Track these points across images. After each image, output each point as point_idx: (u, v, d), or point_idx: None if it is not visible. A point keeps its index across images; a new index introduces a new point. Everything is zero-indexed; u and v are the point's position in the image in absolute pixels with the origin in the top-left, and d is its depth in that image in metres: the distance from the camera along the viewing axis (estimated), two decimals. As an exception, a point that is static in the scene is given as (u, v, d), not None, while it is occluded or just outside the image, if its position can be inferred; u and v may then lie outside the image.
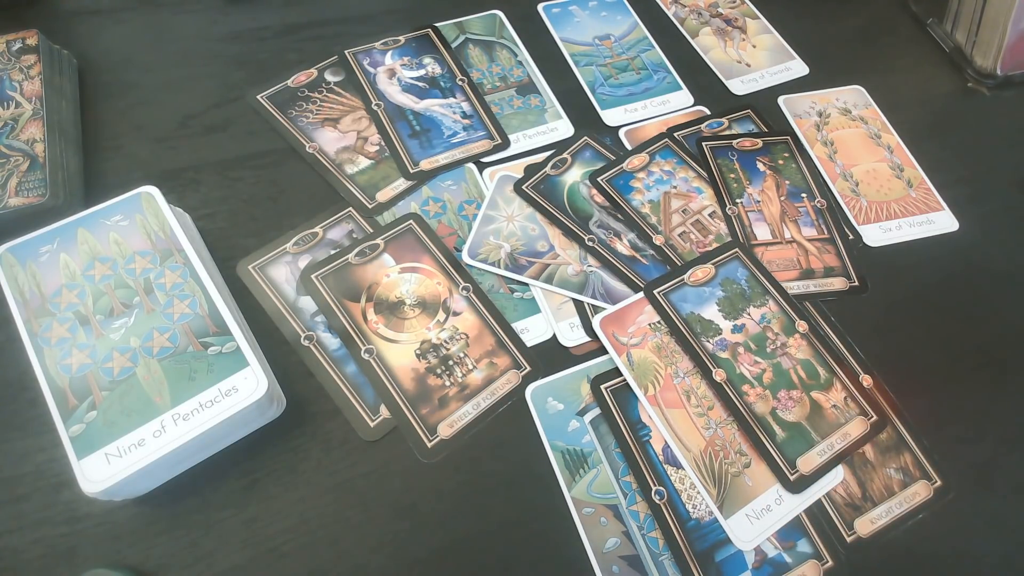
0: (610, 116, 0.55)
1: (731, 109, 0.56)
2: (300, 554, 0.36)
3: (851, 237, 0.50)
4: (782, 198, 0.51)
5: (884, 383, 0.44)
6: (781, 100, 0.58)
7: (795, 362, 0.43)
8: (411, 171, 0.50)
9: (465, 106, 0.54)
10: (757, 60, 0.60)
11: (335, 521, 0.37)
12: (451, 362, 0.42)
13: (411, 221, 0.47)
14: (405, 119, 0.52)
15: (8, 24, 0.50)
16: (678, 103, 0.57)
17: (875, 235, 0.50)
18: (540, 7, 0.62)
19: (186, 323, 0.37)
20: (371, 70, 0.55)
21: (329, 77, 0.54)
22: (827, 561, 0.38)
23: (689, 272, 0.45)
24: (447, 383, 0.41)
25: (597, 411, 0.41)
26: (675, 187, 0.51)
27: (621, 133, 0.54)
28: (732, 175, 0.51)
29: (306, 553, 0.36)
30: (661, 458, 0.40)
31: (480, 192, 0.50)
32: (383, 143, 0.51)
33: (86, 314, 0.37)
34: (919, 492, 0.40)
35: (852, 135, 0.56)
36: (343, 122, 0.52)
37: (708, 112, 0.56)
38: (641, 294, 0.45)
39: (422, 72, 0.55)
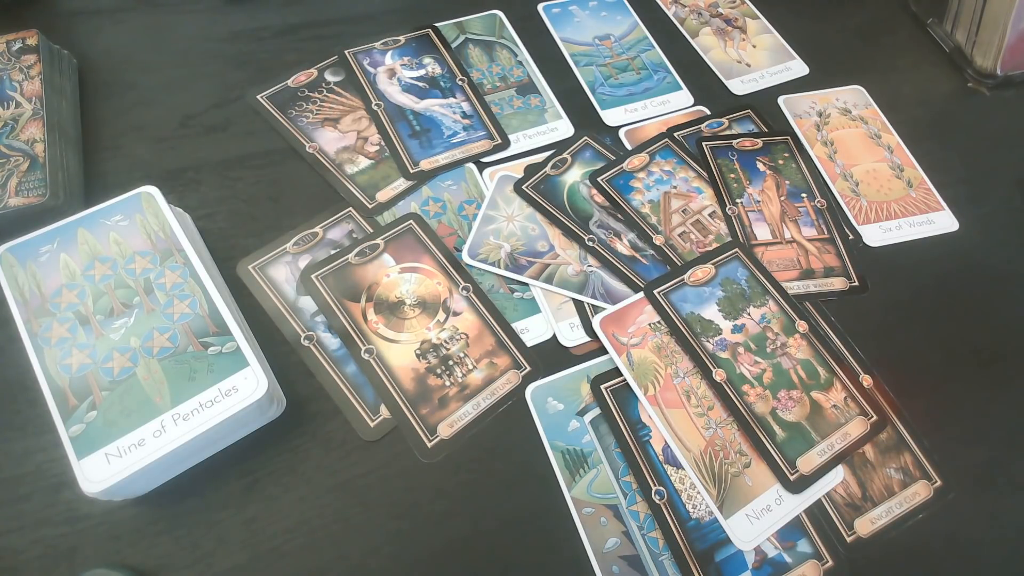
0: (610, 116, 0.55)
1: (731, 109, 0.56)
2: (300, 554, 0.36)
3: (851, 237, 0.50)
4: (782, 198, 0.51)
5: (884, 383, 0.44)
6: (781, 100, 0.58)
7: (795, 362, 0.43)
8: (411, 171, 0.50)
9: (465, 106, 0.54)
10: (757, 60, 0.60)
11: (335, 521, 0.37)
12: (451, 362, 0.42)
13: (411, 221, 0.47)
14: (405, 119, 0.52)
15: (8, 24, 0.50)
16: (678, 103, 0.57)
17: (875, 235, 0.50)
18: (540, 7, 0.62)
19: (186, 323, 0.37)
20: (371, 70, 0.55)
21: (329, 77, 0.54)
22: (827, 561, 0.38)
23: (689, 272, 0.45)
24: (447, 383, 0.41)
25: (597, 411, 0.41)
26: (675, 187, 0.51)
27: (621, 133, 0.54)
28: (732, 175, 0.51)
29: (306, 553, 0.37)
30: (661, 458, 0.40)
31: (480, 192, 0.50)
32: (383, 143, 0.51)
33: (86, 314, 0.37)
34: (919, 492, 0.40)
35: (852, 135, 0.56)
36: (343, 122, 0.52)
37: (708, 112, 0.56)
38: (641, 294, 0.45)
39: (422, 72, 0.55)
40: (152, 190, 0.41)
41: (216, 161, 0.49)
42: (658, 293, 0.44)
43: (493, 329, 0.44)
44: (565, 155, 0.52)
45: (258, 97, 0.53)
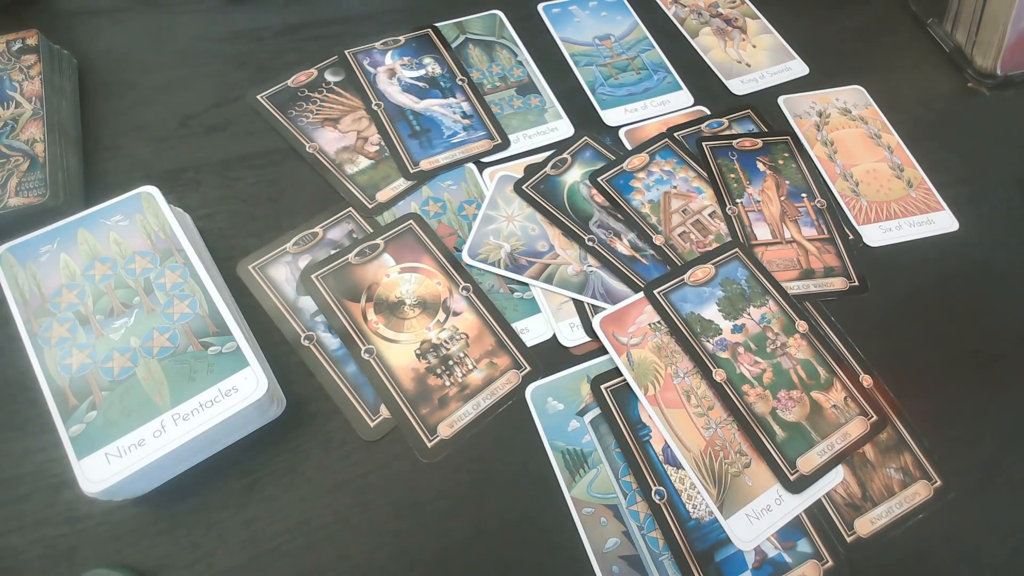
0: (610, 116, 0.55)
1: (731, 109, 0.56)
2: (300, 554, 0.36)
3: (851, 237, 0.50)
4: (782, 198, 0.51)
5: (884, 383, 0.44)
6: (781, 100, 0.58)
7: (795, 362, 0.43)
8: (411, 171, 0.50)
9: (465, 106, 0.54)
10: (757, 60, 0.60)
11: (335, 521, 0.37)
12: (451, 362, 0.42)
13: (411, 221, 0.47)
14: (405, 119, 0.52)
15: (8, 24, 0.50)
16: (678, 103, 0.57)
17: (875, 235, 0.50)
18: (540, 7, 0.62)
19: (186, 323, 0.37)
20: (371, 70, 0.55)
21: (329, 77, 0.54)
22: (827, 561, 0.38)
23: (689, 272, 0.45)
24: (447, 383, 0.41)
25: (597, 411, 0.41)
26: (675, 187, 0.51)
27: (621, 133, 0.54)
28: (732, 175, 0.51)
29: (306, 553, 0.37)
30: (661, 458, 0.40)
31: (480, 192, 0.50)
32: (383, 143, 0.51)
33: (86, 314, 0.37)
34: (919, 492, 0.40)
35: (852, 135, 0.56)
36: (343, 122, 0.52)
37: (708, 112, 0.56)
38: (641, 294, 0.45)
39: (422, 72, 0.55)
40: (152, 190, 0.41)
41: (216, 161, 0.49)
42: (658, 293, 0.44)
43: (493, 329, 0.44)
44: (565, 155, 0.52)
45: (258, 97, 0.53)
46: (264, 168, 0.50)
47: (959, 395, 0.44)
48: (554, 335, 0.44)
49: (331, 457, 0.39)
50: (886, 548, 0.39)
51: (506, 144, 0.52)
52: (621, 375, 0.42)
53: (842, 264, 0.48)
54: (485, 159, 0.51)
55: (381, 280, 0.45)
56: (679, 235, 0.48)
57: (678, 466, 0.39)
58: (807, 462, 0.39)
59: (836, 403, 0.42)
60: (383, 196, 0.49)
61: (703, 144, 0.53)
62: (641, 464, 0.39)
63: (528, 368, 0.43)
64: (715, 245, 0.48)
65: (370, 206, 0.48)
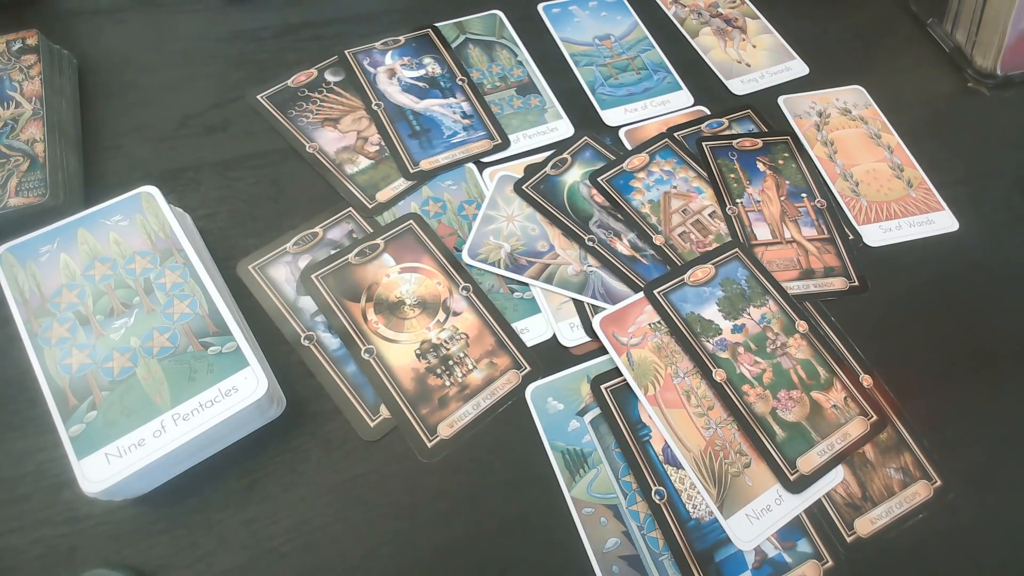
0: (610, 116, 0.55)
1: (731, 109, 0.56)
2: (300, 554, 0.36)
3: (851, 237, 0.50)
4: (782, 198, 0.51)
5: (884, 383, 0.44)
6: (781, 100, 0.58)
7: (795, 362, 0.43)
8: (411, 171, 0.50)
9: (465, 106, 0.54)
10: (757, 60, 0.60)
11: (335, 521, 0.37)
12: (451, 362, 0.42)
13: (411, 221, 0.47)
14: (405, 119, 0.52)
15: (8, 24, 0.50)
16: (678, 103, 0.57)
17: (875, 235, 0.50)
18: (540, 7, 0.62)
19: (186, 323, 0.37)
20: (371, 70, 0.55)
21: (329, 77, 0.54)
22: (827, 561, 0.38)
23: (689, 272, 0.45)
24: (447, 383, 0.41)
25: (597, 411, 0.41)
26: (675, 187, 0.51)
27: (621, 133, 0.54)
28: (732, 175, 0.51)
29: (306, 553, 0.37)
30: (661, 458, 0.40)
31: (480, 192, 0.50)
32: (383, 143, 0.51)
33: (86, 314, 0.37)
34: (919, 492, 0.40)
35: (852, 135, 0.56)
36: (343, 122, 0.52)
37: (708, 112, 0.56)
38: (641, 294, 0.45)
39: (422, 72, 0.55)
40: (152, 190, 0.41)
41: (216, 161, 0.49)
42: (658, 293, 0.44)
43: (493, 329, 0.44)
44: (565, 155, 0.52)
45: (258, 97, 0.53)
46: (264, 168, 0.50)
47: (959, 395, 0.44)
48: (554, 335, 0.44)
49: (331, 457, 0.39)
50: (886, 548, 0.39)
51: (506, 144, 0.52)
52: (621, 375, 0.42)
53: (842, 264, 0.48)
54: (485, 159, 0.51)
55: (381, 280, 0.45)
56: (679, 235, 0.48)
57: (678, 466, 0.39)
58: (807, 462, 0.39)
59: (836, 403, 0.42)
60: (383, 196, 0.49)
61: (703, 144, 0.53)
62: (641, 464, 0.39)
63: (528, 368, 0.43)
64: (715, 245, 0.48)
65: (370, 206, 0.48)
